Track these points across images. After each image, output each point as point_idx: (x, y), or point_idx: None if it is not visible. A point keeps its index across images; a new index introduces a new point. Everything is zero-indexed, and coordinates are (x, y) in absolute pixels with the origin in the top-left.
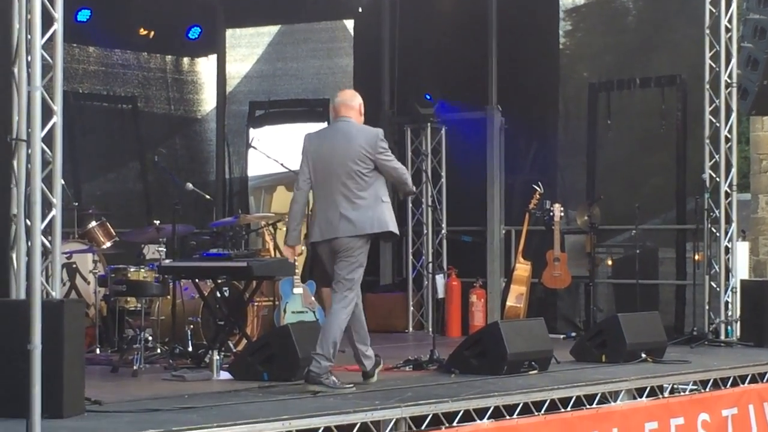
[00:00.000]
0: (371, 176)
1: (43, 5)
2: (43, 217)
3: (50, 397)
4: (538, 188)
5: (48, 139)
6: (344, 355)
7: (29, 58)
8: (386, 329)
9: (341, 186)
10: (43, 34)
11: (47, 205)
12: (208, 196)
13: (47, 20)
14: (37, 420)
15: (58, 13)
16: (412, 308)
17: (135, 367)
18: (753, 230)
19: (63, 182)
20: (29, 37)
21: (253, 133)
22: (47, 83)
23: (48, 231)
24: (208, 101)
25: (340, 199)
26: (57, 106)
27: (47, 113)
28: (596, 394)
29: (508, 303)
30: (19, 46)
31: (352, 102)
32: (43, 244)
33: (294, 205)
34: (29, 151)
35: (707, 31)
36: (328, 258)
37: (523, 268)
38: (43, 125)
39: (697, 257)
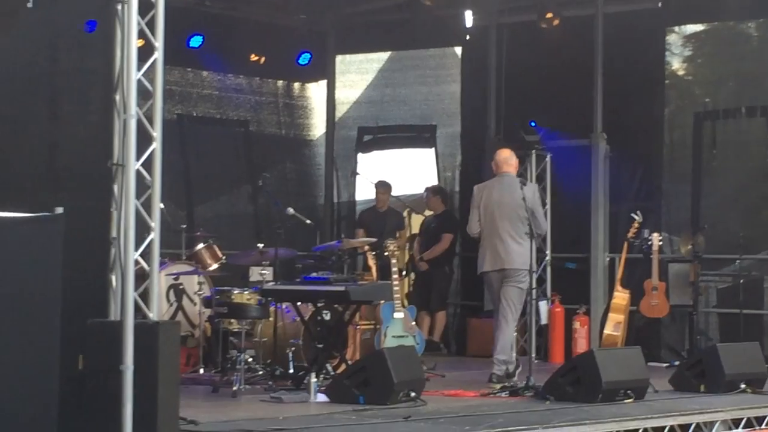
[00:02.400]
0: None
1: (144, 34)
2: (142, 241)
3: (144, 417)
4: (636, 217)
5: (148, 164)
6: (443, 380)
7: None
8: (490, 354)
9: (509, 227)
10: (144, 62)
11: (146, 229)
12: (308, 221)
13: (148, 49)
14: None
15: (159, 42)
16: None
17: (235, 388)
18: None
19: (162, 206)
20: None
21: (361, 158)
22: (147, 109)
23: (147, 254)
24: (317, 126)
25: (507, 237)
26: (156, 132)
27: (147, 139)
28: (690, 424)
29: (606, 331)
30: (120, 74)
31: (512, 160)
32: (141, 267)
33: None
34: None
35: None
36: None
37: (621, 297)
38: (144, 150)
39: None
